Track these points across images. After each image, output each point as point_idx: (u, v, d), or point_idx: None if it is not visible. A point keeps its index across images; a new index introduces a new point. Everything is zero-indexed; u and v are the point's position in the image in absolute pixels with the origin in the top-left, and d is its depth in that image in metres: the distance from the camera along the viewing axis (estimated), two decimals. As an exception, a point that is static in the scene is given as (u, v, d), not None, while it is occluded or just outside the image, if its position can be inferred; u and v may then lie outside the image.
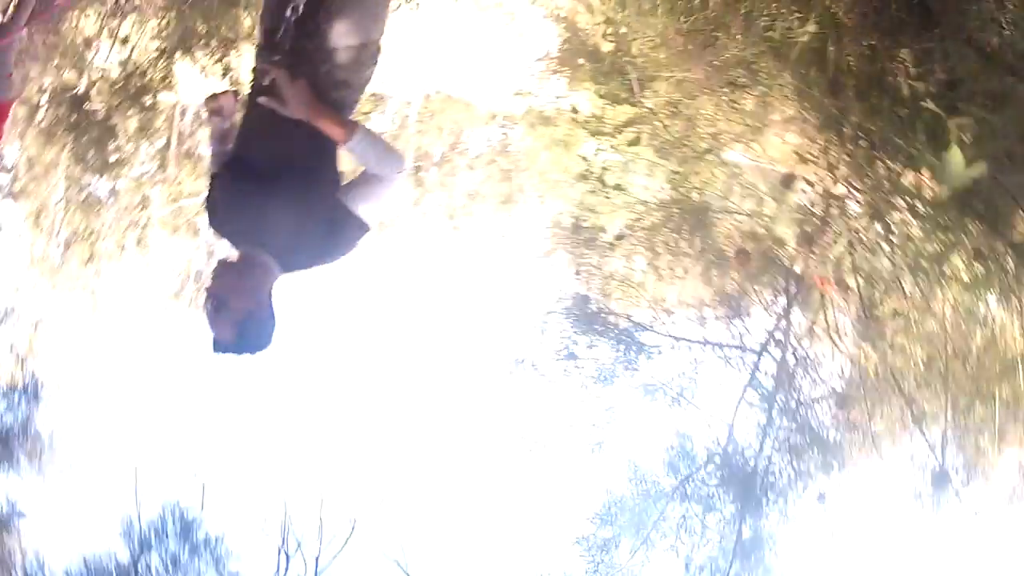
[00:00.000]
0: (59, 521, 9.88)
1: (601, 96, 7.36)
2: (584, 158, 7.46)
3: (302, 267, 2.13)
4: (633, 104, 6.97)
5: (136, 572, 7.75)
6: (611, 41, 7.03)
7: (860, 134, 5.14)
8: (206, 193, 2.24)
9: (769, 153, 6.67)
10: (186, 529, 7.85)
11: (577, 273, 7.52)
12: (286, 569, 7.31)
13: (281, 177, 1.99)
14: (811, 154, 6.12)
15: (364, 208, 2.02)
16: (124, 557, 7.87)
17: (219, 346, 1.99)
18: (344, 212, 2.00)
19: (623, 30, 6.43)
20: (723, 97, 6.34)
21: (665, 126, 6.78)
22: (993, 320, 5.57)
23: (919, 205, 5.06)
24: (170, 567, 7.80)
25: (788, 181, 5.78)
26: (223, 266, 2.00)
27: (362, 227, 2.05)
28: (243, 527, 8.33)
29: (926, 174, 4.47)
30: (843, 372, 7.59)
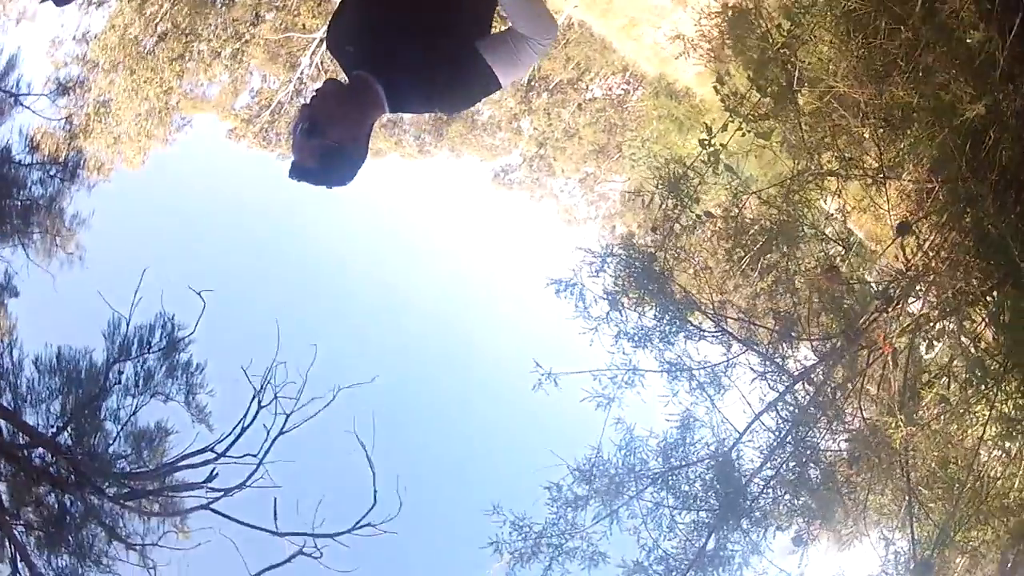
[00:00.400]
0: (48, 307, 10.04)
1: (749, 79, 7.19)
2: (707, 125, 7.28)
3: (413, 109, 2.04)
4: (778, 99, 6.81)
5: (106, 377, 7.64)
6: (782, 35, 6.84)
7: (975, 230, 5.04)
8: (335, 12, 2.07)
9: (882, 201, 6.55)
10: (171, 347, 7.72)
11: (653, 229, 7.41)
12: (254, 418, 7.29)
13: (422, 10, 1.84)
14: (920, 222, 6.00)
15: (501, 65, 1.86)
16: (99, 358, 7.78)
17: (298, 172, 1.87)
18: (477, 62, 1.84)
19: (797, 30, 6.25)
20: (873, 128, 6.18)
21: (803, 133, 6.63)
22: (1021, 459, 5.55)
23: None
24: (141, 381, 7.71)
25: (904, 229, 5.68)
26: (327, 90, 1.84)
27: (491, 84, 1.89)
28: (225, 364, 8.34)
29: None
30: (864, 433, 7.56)
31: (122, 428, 7.39)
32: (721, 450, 7.71)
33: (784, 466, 7.99)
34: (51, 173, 9.86)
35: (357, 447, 6.97)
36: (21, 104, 10.82)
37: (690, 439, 7.67)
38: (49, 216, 9.61)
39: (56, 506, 7.61)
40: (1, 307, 8.20)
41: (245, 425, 7.12)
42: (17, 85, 10.78)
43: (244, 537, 7.05)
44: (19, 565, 7.64)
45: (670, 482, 7.67)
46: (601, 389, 7.44)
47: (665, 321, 7.26)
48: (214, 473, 7.09)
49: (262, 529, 7.05)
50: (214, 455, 7.13)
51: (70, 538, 7.47)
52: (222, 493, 7.13)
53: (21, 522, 7.59)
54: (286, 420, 7.09)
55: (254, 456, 7.03)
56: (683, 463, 7.68)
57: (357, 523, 7.06)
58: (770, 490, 7.95)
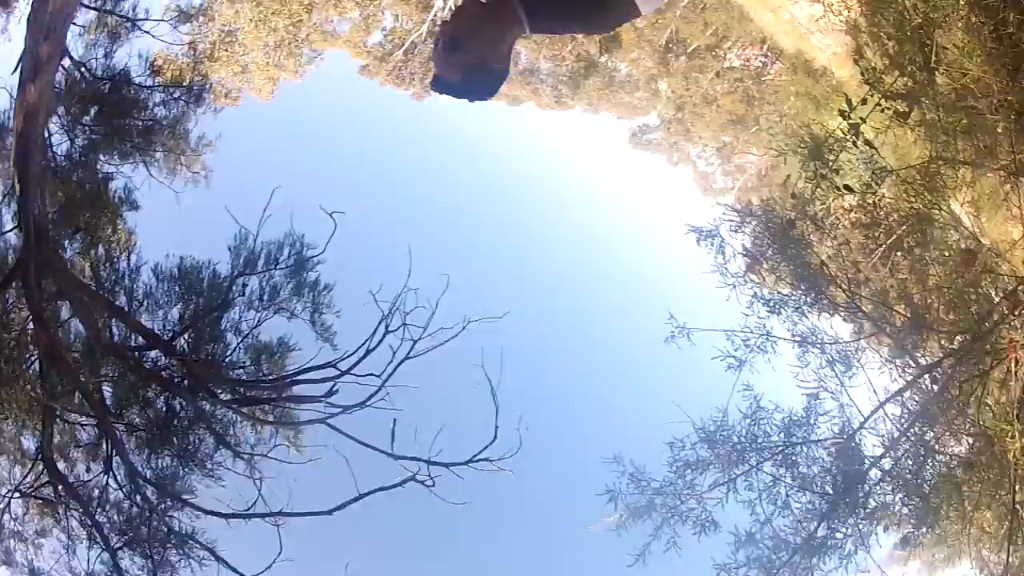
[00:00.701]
0: (170, 222, 10.04)
1: (889, 55, 7.15)
2: (847, 98, 7.20)
3: (552, 30, 2.05)
4: (917, 81, 6.75)
5: (230, 289, 7.57)
6: (918, 14, 6.80)
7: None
8: None
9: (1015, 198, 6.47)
10: (299, 265, 7.63)
11: (793, 196, 7.35)
12: (380, 341, 7.20)
13: None
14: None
15: None
16: (223, 270, 7.72)
17: (440, 84, 1.87)
18: None
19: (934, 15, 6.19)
20: (1005, 120, 6.10)
21: (939, 115, 6.54)
22: None
23: None
24: (265, 296, 7.63)
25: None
26: (467, 6, 1.84)
27: (630, 10, 1.85)
28: (353, 288, 8.24)
29: None
30: (980, 440, 7.40)
31: (242, 340, 7.32)
32: (844, 433, 7.57)
33: (902, 461, 7.83)
34: (175, 96, 9.91)
35: (482, 380, 6.85)
36: (139, 28, 10.90)
37: (814, 417, 7.55)
38: (173, 137, 9.66)
39: (164, 409, 7.52)
40: (120, 219, 8.22)
41: (371, 347, 7.02)
42: (134, 10, 10.87)
43: (357, 457, 6.91)
44: (114, 463, 7.55)
45: (790, 459, 7.54)
46: (733, 350, 7.38)
47: (800, 290, 7.19)
48: (335, 388, 6.98)
49: (378, 450, 6.92)
50: (337, 372, 7.02)
51: (175, 440, 7.36)
52: (341, 410, 7.00)
53: (123, 423, 7.50)
54: (413, 346, 6.97)
55: (377, 376, 6.91)
56: (805, 441, 7.55)
57: (475, 456, 6.93)
58: (886, 484, 7.79)
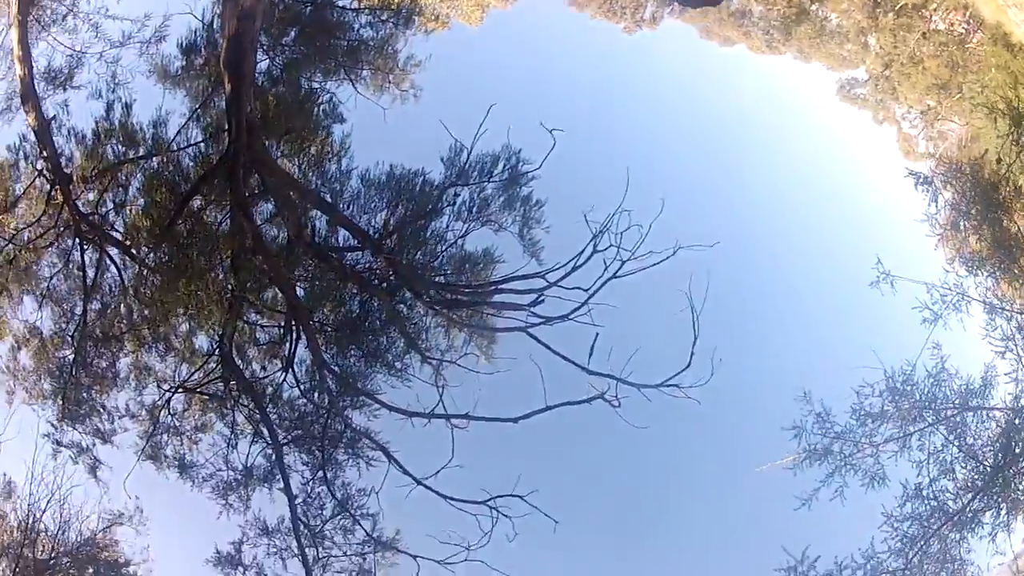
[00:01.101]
0: (380, 137, 10.15)
1: None
2: None
3: None
4: None
5: (440, 199, 7.66)
6: None
7: None
8: None
9: None
10: (512, 180, 7.65)
11: (998, 161, 7.71)
12: (588, 258, 7.28)
13: None
14: None
15: None
16: (434, 179, 7.74)
17: None
18: None
19: None
20: None
21: None
22: None
23: None
24: (475, 207, 7.66)
25: None
26: None
27: None
28: (564, 206, 8.29)
29: None
30: None
31: (448, 247, 7.53)
32: (1016, 408, 7.73)
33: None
34: (382, 18, 10.02)
35: (684, 307, 6.97)
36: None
37: (991, 388, 7.74)
38: (381, 56, 9.80)
39: (357, 310, 7.68)
40: (327, 129, 8.53)
41: (578, 264, 7.21)
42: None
43: (547, 370, 6.98)
44: (295, 360, 7.65)
45: (962, 425, 7.69)
46: (931, 303, 7.66)
47: (999, 254, 7.52)
48: (540, 298, 7.13)
49: (573, 363, 7.03)
50: (545, 283, 7.19)
51: (365, 340, 7.49)
52: (543, 320, 7.14)
53: (315, 320, 7.66)
54: (621, 266, 7.13)
55: (584, 291, 7.07)
56: (980, 407, 7.71)
57: (666, 380, 7.02)
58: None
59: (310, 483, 7.59)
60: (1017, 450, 7.67)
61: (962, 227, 7.66)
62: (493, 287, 7.27)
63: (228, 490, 7.87)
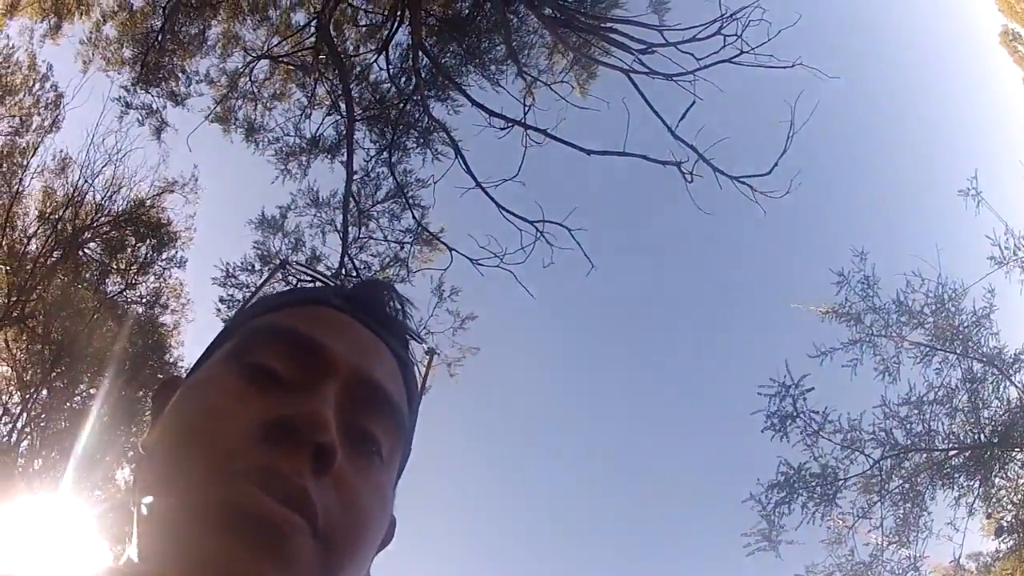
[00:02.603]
0: None
1: None
2: None
3: None
4: None
5: None
6: None
7: None
8: None
9: None
10: None
11: None
12: (709, 36, 7.12)
13: None
14: None
15: None
16: None
17: None
18: None
19: None
20: None
21: None
22: None
23: None
24: None
25: None
26: None
27: None
28: None
29: None
30: None
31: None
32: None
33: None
34: None
35: (783, 118, 6.84)
36: None
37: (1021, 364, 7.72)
38: None
39: (469, 9, 7.63)
40: None
41: (698, 36, 7.02)
42: None
43: (633, 124, 6.90)
44: (393, 34, 7.59)
45: (980, 380, 7.69)
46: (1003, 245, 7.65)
47: None
48: (650, 49, 7.04)
49: (663, 121, 6.92)
50: (661, 39, 7.07)
51: (470, 38, 7.44)
52: (647, 71, 7.04)
53: (422, 7, 7.59)
54: (739, 54, 6.95)
55: (697, 60, 6.96)
56: (1002, 375, 7.68)
57: (743, 175, 6.95)
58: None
59: (372, 161, 7.59)
60: (1016, 435, 7.61)
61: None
62: (610, 23, 7.16)
63: (290, 155, 7.90)
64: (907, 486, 8.22)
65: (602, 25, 7.24)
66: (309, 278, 0.76)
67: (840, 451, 7.71)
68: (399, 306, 0.71)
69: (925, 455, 8.16)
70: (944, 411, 8.12)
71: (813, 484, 7.49)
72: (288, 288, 0.73)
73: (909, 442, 8.26)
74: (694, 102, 7.16)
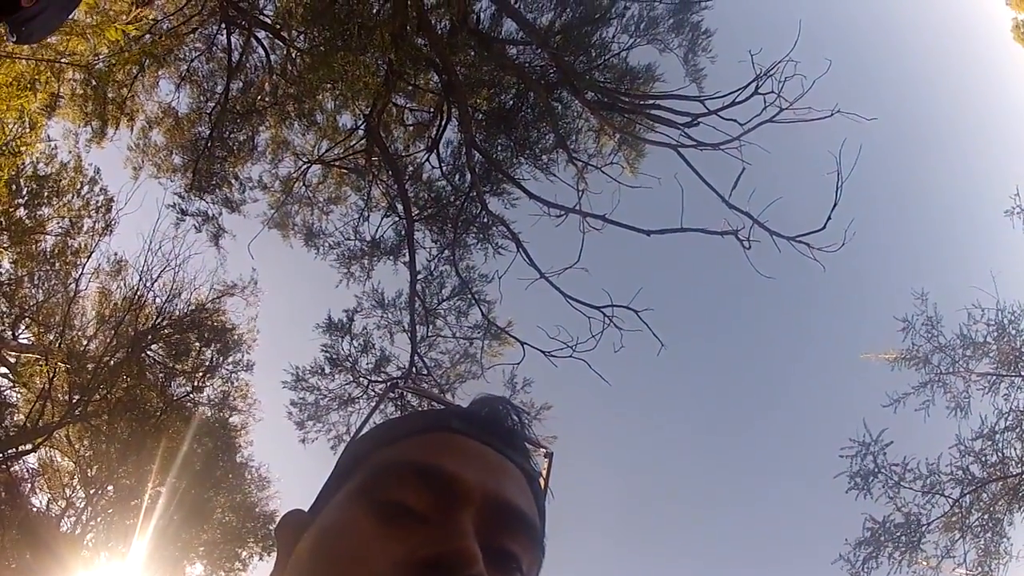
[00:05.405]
0: None
1: None
2: None
3: None
4: None
5: (610, 9, 7.50)
6: None
7: None
8: None
9: None
10: (684, 5, 7.51)
11: None
12: (747, 97, 7.24)
13: None
14: None
15: None
16: None
17: None
18: None
19: None
20: None
21: None
22: None
23: None
24: (643, 24, 7.50)
25: None
26: None
27: None
28: (730, 41, 8.32)
29: None
30: None
31: (611, 56, 7.59)
32: None
33: None
34: None
35: (830, 169, 6.92)
36: None
37: None
38: None
39: (514, 101, 7.80)
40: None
41: (738, 99, 7.22)
42: None
43: (687, 198, 7.03)
44: (442, 132, 7.76)
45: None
46: None
47: None
48: (695, 122, 7.18)
49: (716, 191, 7.05)
50: (704, 108, 7.23)
51: (518, 130, 7.61)
52: (695, 144, 7.19)
53: (470, 104, 7.77)
54: (779, 112, 7.12)
55: (740, 125, 7.10)
56: None
57: (799, 235, 7.04)
58: None
59: (435, 260, 7.77)
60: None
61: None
62: (652, 101, 7.32)
63: (352, 259, 8.09)
64: (986, 516, 8.27)
65: (644, 104, 7.40)
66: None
67: (921, 497, 7.78)
68: (517, 418, 0.72)
69: (1001, 483, 8.22)
70: (1015, 436, 8.19)
71: (898, 535, 7.56)
72: (403, 415, 0.76)
73: (985, 474, 8.32)
74: (744, 169, 7.30)
